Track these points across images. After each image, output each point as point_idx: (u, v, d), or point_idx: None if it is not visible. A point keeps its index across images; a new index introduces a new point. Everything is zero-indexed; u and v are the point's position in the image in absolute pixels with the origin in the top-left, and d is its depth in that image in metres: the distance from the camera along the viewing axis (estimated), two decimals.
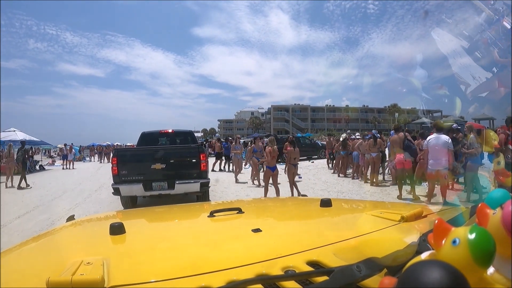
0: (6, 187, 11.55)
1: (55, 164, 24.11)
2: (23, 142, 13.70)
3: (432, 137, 6.37)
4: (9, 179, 11.84)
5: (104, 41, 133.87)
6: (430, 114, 55.48)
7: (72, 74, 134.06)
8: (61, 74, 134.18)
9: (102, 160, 27.95)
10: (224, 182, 11.09)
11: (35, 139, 21.06)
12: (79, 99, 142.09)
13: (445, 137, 6.26)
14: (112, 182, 6.60)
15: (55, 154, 38.77)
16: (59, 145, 49.78)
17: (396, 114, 54.21)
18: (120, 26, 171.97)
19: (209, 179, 6.94)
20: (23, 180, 11.61)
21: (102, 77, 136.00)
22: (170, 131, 9.18)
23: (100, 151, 30.63)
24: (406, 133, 7.79)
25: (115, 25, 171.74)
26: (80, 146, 35.02)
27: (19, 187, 11.27)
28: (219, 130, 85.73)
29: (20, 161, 12.26)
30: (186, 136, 9.33)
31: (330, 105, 75.95)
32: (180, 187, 6.42)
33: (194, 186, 6.46)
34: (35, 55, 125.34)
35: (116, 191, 6.40)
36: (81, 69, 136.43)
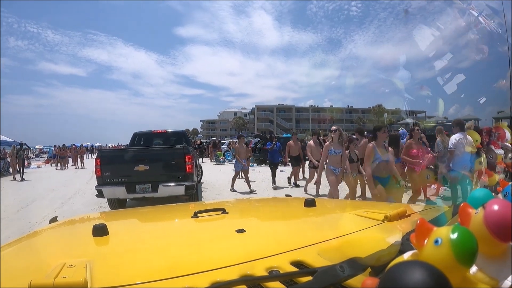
0: (14, 179, 14.64)
1: (31, 166, 22.36)
2: (21, 144, 16.87)
3: (460, 136, 5.76)
4: (14, 174, 15.23)
5: (85, 39, 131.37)
6: (414, 115, 56.74)
7: (53, 73, 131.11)
8: (42, 73, 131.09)
9: (59, 165, 20.95)
10: (219, 188, 9.91)
11: (8, 139, 19.87)
12: (60, 99, 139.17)
13: (470, 138, 5.81)
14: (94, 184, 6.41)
15: (33, 155, 37.49)
16: (38, 146, 48.79)
17: (385, 115, 54.96)
18: (102, 25, 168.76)
19: (195, 181, 6.74)
20: (21, 174, 15.09)
21: (84, 77, 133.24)
22: (163, 131, 9.06)
23: (57, 153, 21.84)
24: (422, 134, 7.23)
25: (97, 23, 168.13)
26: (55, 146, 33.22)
27: (22, 179, 14.57)
28: (202, 130, 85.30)
29: (21, 158, 15.27)
30: (179, 137, 9.12)
31: (314, 106, 76.73)
32: (164, 190, 6.25)
33: (178, 189, 6.28)
34: (15, 53, 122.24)
35: (100, 193, 6.23)
36: (62, 68, 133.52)
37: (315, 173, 7.48)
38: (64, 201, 8.74)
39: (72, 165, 21.83)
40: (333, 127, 5.85)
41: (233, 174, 9.93)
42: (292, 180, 9.93)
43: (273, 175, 9.66)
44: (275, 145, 10.06)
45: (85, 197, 8.95)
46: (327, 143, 5.85)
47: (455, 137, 5.86)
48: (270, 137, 11.27)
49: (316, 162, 7.34)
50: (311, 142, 8.24)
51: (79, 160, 22.26)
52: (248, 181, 9.19)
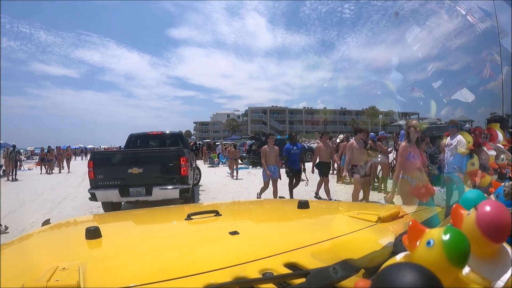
0: (7, 179, 15.46)
1: (22, 169, 20.74)
2: (14, 146, 17.53)
3: (461, 137, 5.60)
4: (9, 175, 15.99)
5: (78, 40, 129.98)
6: (407, 117, 57.28)
7: (45, 74, 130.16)
8: (34, 74, 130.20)
9: (48, 169, 19.17)
10: (214, 190, 9.64)
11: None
12: (53, 100, 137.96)
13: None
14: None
15: (24, 157, 36.91)
16: (29, 148, 48.26)
17: (381, 116, 55.36)
18: (95, 26, 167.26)
19: (190, 184, 6.57)
20: (15, 175, 15.98)
21: (76, 78, 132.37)
22: (159, 132, 9.00)
23: (42, 157, 19.63)
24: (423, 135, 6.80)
25: (90, 24, 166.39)
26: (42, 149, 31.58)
27: (14, 179, 15.51)
28: (195, 132, 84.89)
29: (13, 160, 16.05)
30: (176, 138, 9.00)
31: (307, 107, 76.96)
32: (158, 193, 6.12)
33: (173, 193, 6.13)
34: (8, 54, 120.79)
35: (93, 197, 6.11)
36: (54, 69, 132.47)
37: (359, 183, 6.12)
38: (54, 206, 8.34)
39: (61, 169, 20.27)
40: (414, 122, 4.16)
41: (228, 177, 9.47)
42: (308, 192, 8.04)
43: (291, 186, 7.49)
44: (295, 147, 7.54)
45: (76, 201, 8.71)
46: (403, 143, 4.01)
47: (458, 139, 5.66)
48: (291, 137, 7.88)
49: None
50: (353, 142, 6.37)
51: (65, 163, 20.34)
52: (276, 193, 7.20)
